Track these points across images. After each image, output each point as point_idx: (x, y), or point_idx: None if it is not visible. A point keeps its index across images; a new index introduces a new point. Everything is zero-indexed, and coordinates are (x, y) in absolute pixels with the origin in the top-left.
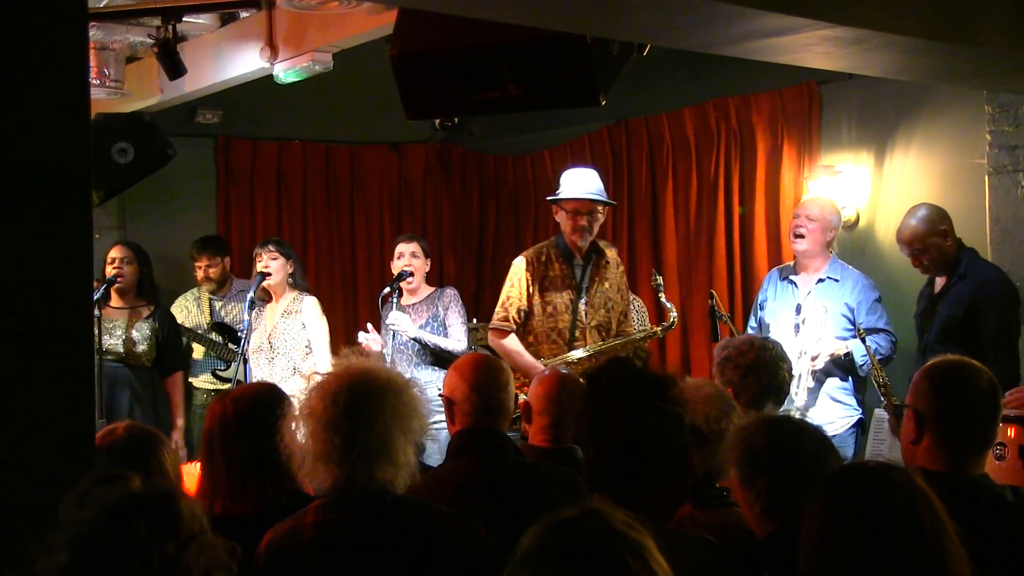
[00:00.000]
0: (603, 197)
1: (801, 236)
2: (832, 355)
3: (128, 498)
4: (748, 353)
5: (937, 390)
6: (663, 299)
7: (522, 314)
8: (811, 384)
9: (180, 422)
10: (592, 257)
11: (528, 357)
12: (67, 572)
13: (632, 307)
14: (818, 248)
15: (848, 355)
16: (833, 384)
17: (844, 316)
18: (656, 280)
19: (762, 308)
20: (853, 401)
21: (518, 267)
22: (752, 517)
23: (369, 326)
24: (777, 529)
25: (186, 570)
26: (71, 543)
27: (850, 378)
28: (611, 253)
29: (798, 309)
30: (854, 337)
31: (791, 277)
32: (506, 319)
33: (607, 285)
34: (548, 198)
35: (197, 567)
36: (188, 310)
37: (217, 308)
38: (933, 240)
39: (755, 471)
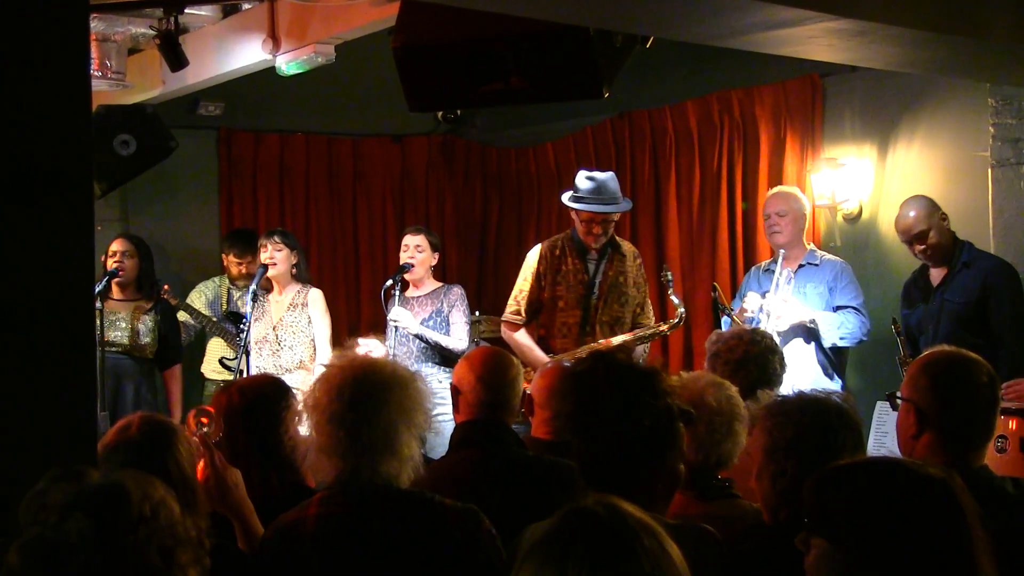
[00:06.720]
0: (619, 205)
1: (777, 233)
2: (800, 321)
3: (74, 494)
4: (736, 348)
5: (938, 386)
6: (671, 295)
7: (533, 307)
8: None
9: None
10: (607, 251)
11: (538, 352)
12: (18, 574)
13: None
14: (796, 238)
15: (813, 323)
16: (815, 361)
17: (822, 296)
18: (666, 276)
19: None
20: (836, 381)
21: (531, 261)
22: (765, 494)
23: (371, 334)
24: (790, 516)
25: (138, 554)
26: (18, 546)
27: (825, 357)
28: (628, 246)
29: (776, 286)
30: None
31: (771, 268)
32: (517, 312)
33: (622, 279)
34: (564, 200)
35: (149, 550)
36: (206, 296)
37: (235, 298)
38: (935, 222)
39: (789, 451)
